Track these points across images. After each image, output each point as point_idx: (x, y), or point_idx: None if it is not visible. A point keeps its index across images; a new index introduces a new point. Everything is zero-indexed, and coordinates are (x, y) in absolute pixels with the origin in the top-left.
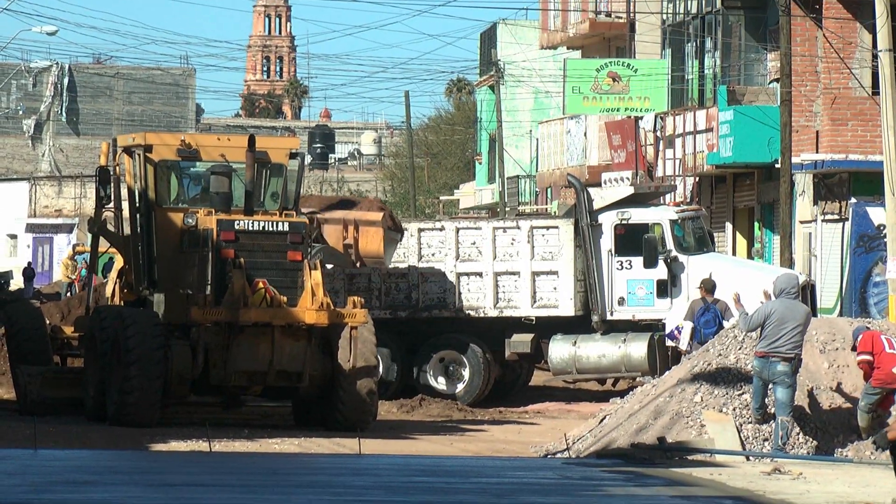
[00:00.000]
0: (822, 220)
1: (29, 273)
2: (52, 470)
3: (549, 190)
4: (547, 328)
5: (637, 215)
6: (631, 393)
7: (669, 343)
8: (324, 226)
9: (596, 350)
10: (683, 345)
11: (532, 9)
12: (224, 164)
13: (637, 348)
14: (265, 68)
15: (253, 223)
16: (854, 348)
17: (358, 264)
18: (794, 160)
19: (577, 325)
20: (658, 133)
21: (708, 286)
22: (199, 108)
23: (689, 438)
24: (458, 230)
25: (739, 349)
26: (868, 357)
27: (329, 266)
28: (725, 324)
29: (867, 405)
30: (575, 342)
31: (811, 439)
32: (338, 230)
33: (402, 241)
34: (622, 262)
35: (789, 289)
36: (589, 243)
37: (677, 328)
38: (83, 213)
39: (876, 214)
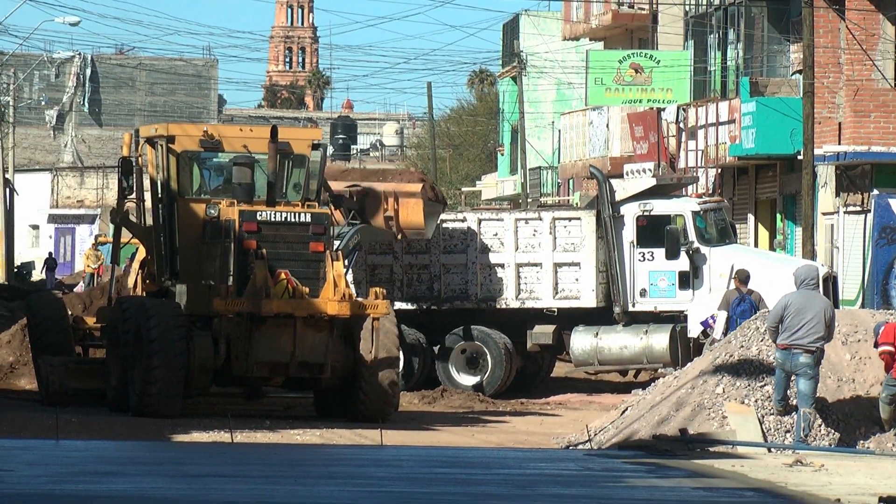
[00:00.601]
0: (845, 212)
1: (51, 264)
2: (74, 461)
3: (571, 181)
4: (569, 319)
5: (659, 207)
6: (653, 384)
7: (702, 330)
8: (365, 198)
9: (618, 341)
10: (717, 334)
11: (555, 0)
12: (246, 155)
13: (659, 340)
14: (287, 59)
15: (275, 214)
16: (876, 344)
17: (399, 236)
18: (817, 152)
19: (599, 317)
20: (680, 124)
21: (742, 277)
22: (221, 98)
23: (711, 430)
24: (479, 221)
25: (762, 340)
26: (890, 348)
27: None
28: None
29: (888, 396)
30: (597, 333)
31: (833, 431)
32: (379, 202)
33: (444, 211)
34: (644, 254)
35: (808, 280)
36: (611, 234)
37: (712, 317)
38: (105, 204)
39: None
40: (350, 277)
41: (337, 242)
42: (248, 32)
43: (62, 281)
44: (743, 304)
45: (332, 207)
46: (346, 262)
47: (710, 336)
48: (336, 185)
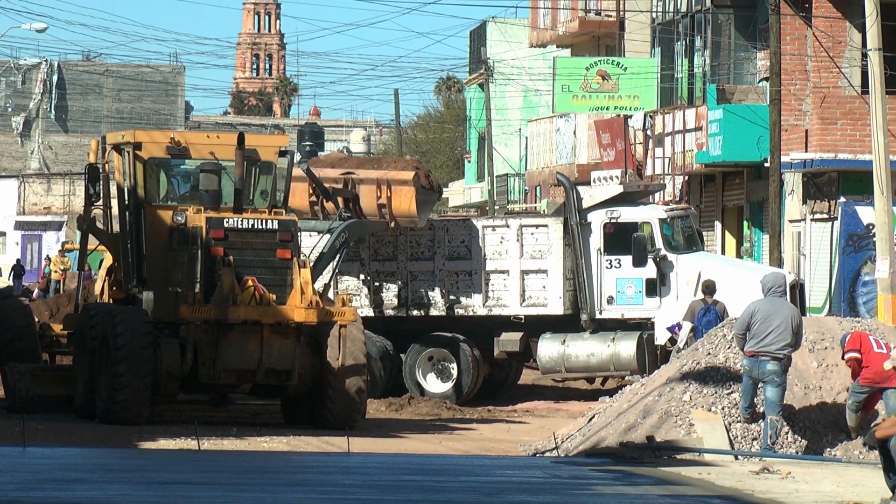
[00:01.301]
0: (812, 220)
1: (18, 270)
2: (41, 467)
3: (538, 188)
4: (536, 327)
5: (626, 214)
6: (620, 392)
7: (668, 337)
8: (359, 186)
9: (585, 349)
10: (681, 343)
11: (522, 7)
12: (213, 162)
13: (626, 347)
14: (254, 66)
15: (242, 221)
16: (843, 355)
17: (392, 224)
18: (784, 159)
19: (567, 324)
20: (647, 132)
21: (708, 287)
22: (188, 105)
23: (678, 437)
24: (447, 229)
25: (729, 348)
26: (856, 355)
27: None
28: None
29: (854, 403)
30: (564, 341)
31: (800, 438)
32: (372, 190)
33: (439, 200)
34: (611, 261)
35: (775, 287)
36: (578, 242)
37: (678, 325)
38: (72, 211)
39: (865, 213)
40: (318, 281)
41: (326, 237)
42: (215, 39)
43: (29, 288)
44: (708, 314)
45: (324, 200)
46: (336, 259)
47: (676, 344)
48: (332, 172)
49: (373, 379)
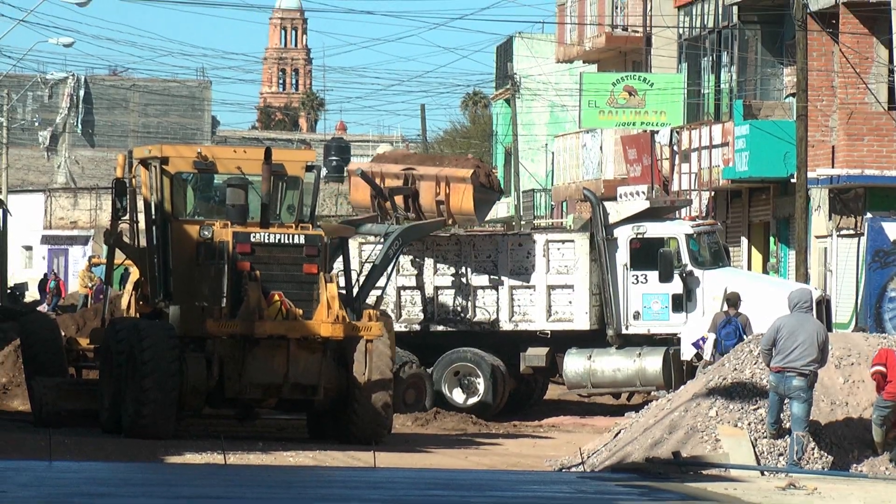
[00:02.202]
0: (838, 235)
1: (45, 285)
2: (67, 482)
3: (564, 204)
4: (562, 342)
5: (652, 229)
6: (646, 407)
7: (694, 353)
8: (419, 182)
9: (611, 364)
10: (707, 355)
11: (549, 22)
12: (240, 177)
13: (652, 362)
14: (281, 81)
15: (269, 236)
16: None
17: (450, 221)
18: (810, 175)
19: (592, 339)
20: (674, 147)
21: (731, 299)
22: (214, 120)
23: (704, 453)
24: (473, 243)
25: (755, 364)
26: (882, 368)
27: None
28: (746, 337)
29: (879, 418)
30: (590, 356)
31: (826, 454)
32: (431, 186)
33: (500, 200)
34: (637, 277)
35: (801, 303)
36: (604, 257)
37: (702, 339)
38: (99, 225)
39: (891, 229)
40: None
41: (379, 248)
42: (242, 54)
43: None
44: (728, 325)
45: (381, 201)
46: (390, 268)
47: (702, 359)
48: (394, 168)
49: (421, 393)
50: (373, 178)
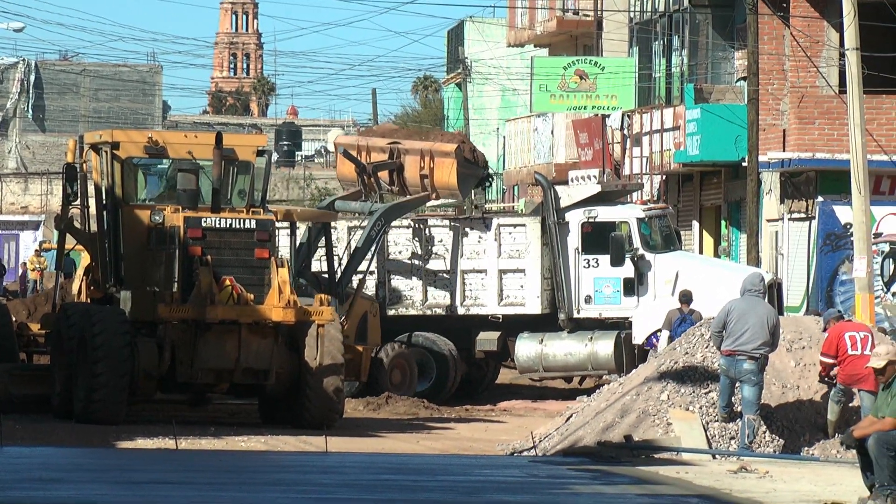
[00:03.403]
0: (789, 219)
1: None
2: (18, 467)
3: (516, 188)
4: (514, 326)
5: (604, 213)
6: (598, 391)
7: (645, 347)
8: (405, 156)
9: (563, 348)
10: (661, 351)
11: (499, 6)
12: (191, 162)
13: (604, 346)
14: (232, 65)
15: (220, 220)
16: (824, 329)
17: (434, 196)
18: (762, 159)
19: (544, 324)
20: (625, 131)
21: (684, 297)
22: (165, 105)
23: (656, 437)
24: (424, 227)
25: (706, 347)
26: (829, 360)
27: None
28: None
29: (837, 394)
30: (542, 340)
31: (778, 438)
32: (416, 161)
33: (485, 175)
34: (589, 261)
35: (752, 287)
36: (556, 241)
37: (655, 336)
38: (50, 211)
39: (843, 213)
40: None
41: (363, 226)
42: (193, 38)
43: (6, 287)
44: (685, 324)
45: (367, 177)
46: (372, 250)
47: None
48: (381, 142)
49: (405, 374)
50: (359, 151)
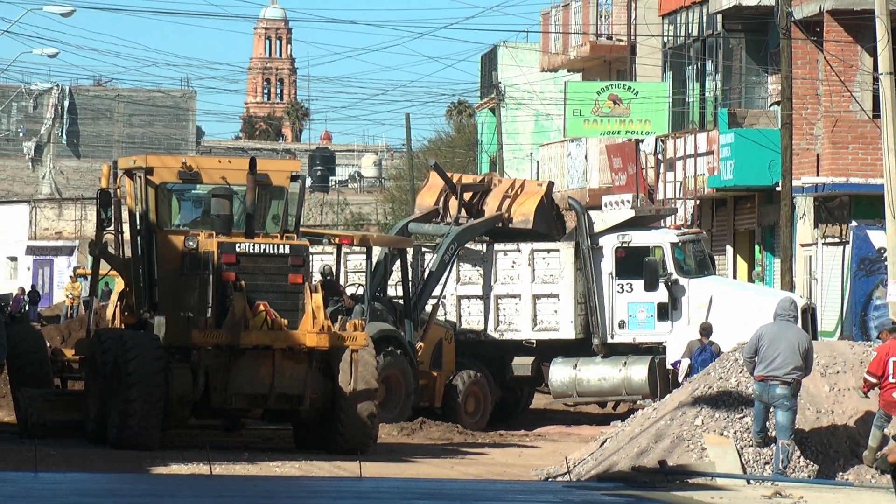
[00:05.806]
0: (823, 244)
1: (33, 296)
2: (53, 493)
3: None
4: (548, 351)
5: (638, 238)
6: (632, 416)
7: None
8: (496, 184)
9: (596, 373)
10: (681, 379)
11: (533, 31)
12: (225, 187)
13: (638, 371)
14: (266, 91)
15: (254, 246)
16: (878, 336)
17: (505, 215)
18: (795, 183)
19: (578, 349)
20: (659, 156)
21: (704, 329)
22: (199, 130)
23: (690, 462)
24: (459, 253)
25: (740, 372)
26: (873, 380)
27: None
28: None
29: (881, 419)
30: (576, 365)
31: (812, 463)
32: (504, 188)
33: (556, 222)
34: (623, 285)
35: (784, 312)
36: (590, 266)
37: (677, 362)
38: (83, 236)
39: (877, 237)
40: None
41: (434, 253)
42: (227, 64)
43: (41, 313)
44: (704, 353)
45: (449, 195)
46: (445, 274)
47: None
48: (477, 177)
49: (479, 402)
50: (452, 176)
